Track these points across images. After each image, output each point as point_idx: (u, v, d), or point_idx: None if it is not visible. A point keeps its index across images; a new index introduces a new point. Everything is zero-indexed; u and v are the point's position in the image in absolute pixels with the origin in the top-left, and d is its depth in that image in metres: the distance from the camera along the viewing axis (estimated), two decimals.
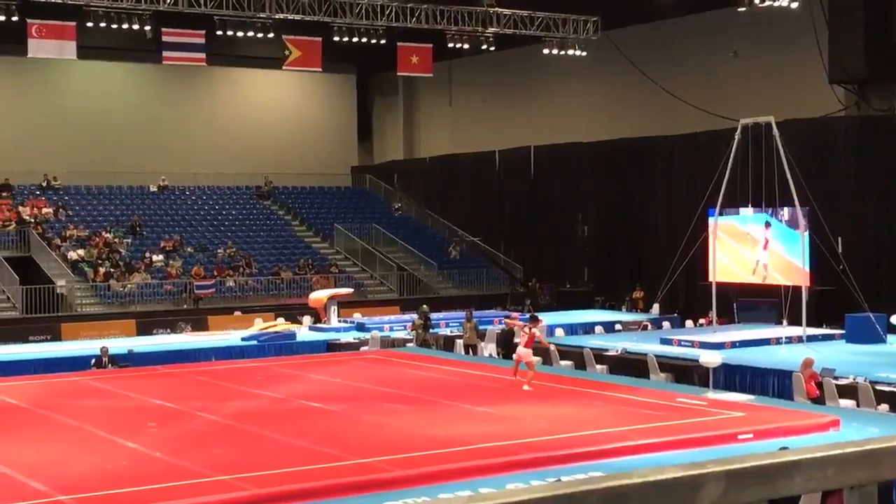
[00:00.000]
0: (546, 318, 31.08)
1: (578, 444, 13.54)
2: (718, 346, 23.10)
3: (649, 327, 29.36)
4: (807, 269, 24.99)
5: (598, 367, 23.23)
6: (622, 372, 22.01)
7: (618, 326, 30.18)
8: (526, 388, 18.10)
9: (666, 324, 30.12)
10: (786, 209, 25.61)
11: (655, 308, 31.79)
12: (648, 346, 24.15)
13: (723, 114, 32.80)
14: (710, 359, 18.72)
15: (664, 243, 35.08)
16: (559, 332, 28.99)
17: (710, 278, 27.08)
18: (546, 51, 39.04)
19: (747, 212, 26.86)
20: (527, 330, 18.97)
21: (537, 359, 19.30)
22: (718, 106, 34.42)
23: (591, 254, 41.18)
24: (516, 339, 19.71)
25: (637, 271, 37.60)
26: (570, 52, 38.66)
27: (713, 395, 17.64)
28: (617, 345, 24.54)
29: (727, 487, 2.12)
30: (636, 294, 36.07)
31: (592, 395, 17.88)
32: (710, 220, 27.08)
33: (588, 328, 30.24)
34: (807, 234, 25.10)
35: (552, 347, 24.84)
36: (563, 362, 24.08)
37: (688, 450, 13.38)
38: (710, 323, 27.92)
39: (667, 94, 36.65)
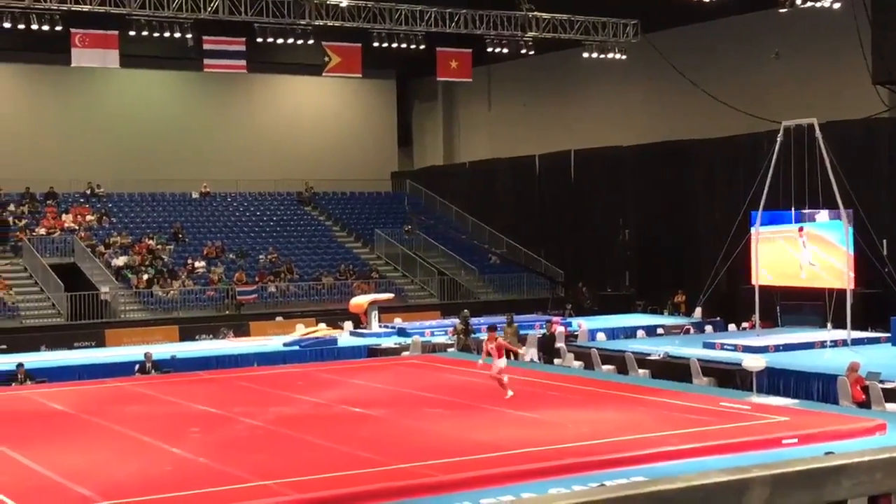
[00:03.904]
0: (588, 323, 31.06)
1: (621, 448, 13.47)
2: (762, 349, 22.91)
3: (692, 331, 29.19)
4: (851, 272, 24.72)
5: (640, 371, 23.11)
6: (664, 376, 21.87)
7: (660, 330, 30.04)
8: (505, 389, 17.83)
9: (708, 328, 29.93)
10: (826, 211, 25.35)
11: (698, 312, 31.57)
12: (691, 350, 24.01)
13: (764, 116, 32.55)
14: (754, 363, 18.59)
15: (706, 246, 34.88)
16: (600, 336, 28.87)
17: (753, 281, 26.87)
18: (585, 54, 38.93)
19: (789, 214, 26.62)
20: (491, 345, 18.13)
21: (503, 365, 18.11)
22: (760, 108, 34.16)
23: (632, 258, 40.99)
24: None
25: (679, 275, 37.36)
26: (610, 55, 38.52)
27: (757, 399, 17.50)
28: (659, 349, 24.41)
29: (773, 492, 2.10)
30: (678, 298, 35.85)
31: (635, 399, 17.78)
32: (752, 223, 26.87)
33: (629, 332, 30.11)
34: (851, 236, 24.83)
35: (594, 351, 24.78)
36: (604, 367, 23.99)
37: (731, 454, 13.27)
38: (753, 326, 27.71)
39: (707, 96, 36.41)
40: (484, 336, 28.27)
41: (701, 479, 2.03)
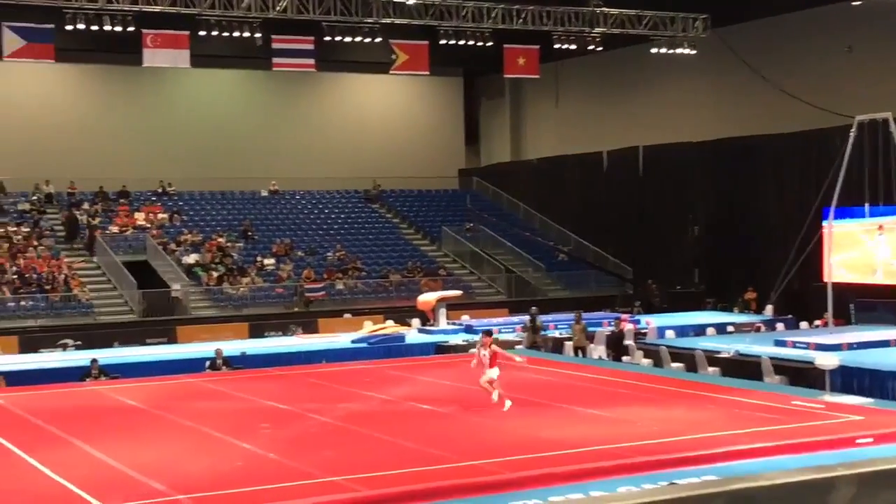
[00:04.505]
0: (656, 320, 30.81)
1: (691, 447, 13.32)
2: (835, 347, 22.54)
3: (762, 329, 28.81)
4: None
5: (710, 369, 22.88)
6: (735, 374, 21.62)
7: (730, 328, 29.71)
8: (501, 401, 16.46)
9: (780, 325, 29.52)
10: None
11: (769, 309, 31.18)
12: (762, 347, 23.71)
13: (836, 110, 32.03)
14: (827, 361, 18.27)
15: (777, 243, 34.43)
16: (669, 333, 28.63)
17: (826, 279, 26.46)
18: (654, 50, 38.64)
19: (862, 210, 26.16)
20: (484, 352, 16.78)
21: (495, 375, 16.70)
22: (832, 102, 33.64)
23: (701, 254, 40.59)
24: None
25: (749, 272, 36.88)
26: (679, 50, 38.17)
27: (830, 398, 17.22)
28: (729, 346, 24.14)
29: (858, 491, 2.05)
30: (748, 295, 35.41)
31: (705, 397, 17.59)
32: (825, 219, 26.45)
33: (699, 330, 29.80)
34: None
35: (663, 349, 24.56)
36: (674, 364, 23.79)
37: (804, 454, 13.03)
38: (825, 324, 27.29)
39: (777, 91, 35.94)
40: (553, 333, 28.37)
41: (784, 478, 1.99)
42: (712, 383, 19.61)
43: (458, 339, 28.31)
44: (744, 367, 22.25)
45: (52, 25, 31.87)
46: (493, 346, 16.90)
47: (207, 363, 23.85)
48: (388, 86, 48.61)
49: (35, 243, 37.86)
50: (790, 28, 37.83)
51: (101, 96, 44.98)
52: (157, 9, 32.28)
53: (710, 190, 40.47)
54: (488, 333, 17.44)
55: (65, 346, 30.83)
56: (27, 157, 41.70)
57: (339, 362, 24.78)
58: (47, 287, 35.01)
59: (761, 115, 38.26)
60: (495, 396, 16.50)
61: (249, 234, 41.62)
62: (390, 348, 27.09)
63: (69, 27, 31.85)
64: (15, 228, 38.67)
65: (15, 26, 31.50)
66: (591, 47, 37.77)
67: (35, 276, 35.55)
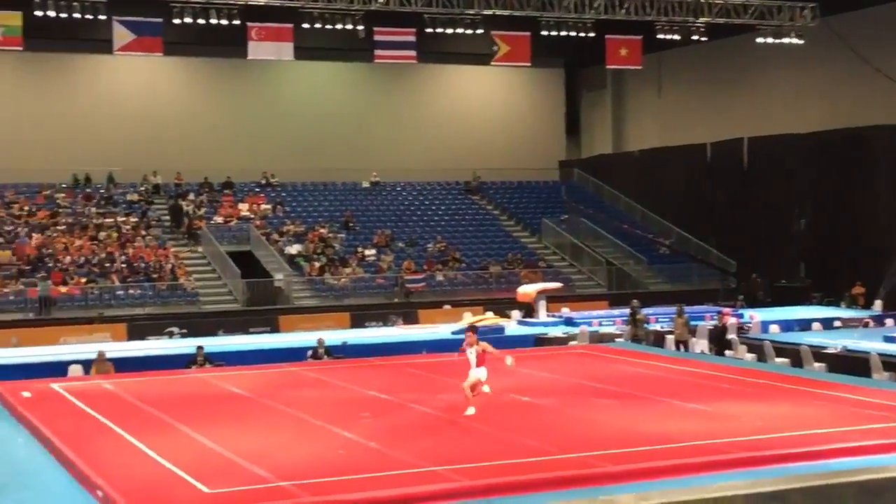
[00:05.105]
0: (761, 314, 30.30)
1: (797, 443, 13.06)
2: None
3: (871, 324, 28.16)
4: None
5: (816, 365, 22.42)
6: (842, 370, 21.12)
7: (837, 323, 29.11)
8: (467, 402, 15.27)
9: (889, 321, 28.82)
10: None
11: (878, 304, 30.46)
12: (871, 343, 23.17)
13: None
14: None
15: (887, 237, 33.61)
16: (774, 328, 28.14)
17: None
18: (760, 39, 37.90)
19: None
20: (470, 350, 15.37)
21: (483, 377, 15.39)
22: None
23: (808, 248, 39.78)
24: (472, 364, 15.47)
25: (857, 266, 36.05)
26: (786, 40, 37.38)
27: None
28: (836, 342, 23.64)
29: None
30: (856, 290, 34.63)
31: (810, 393, 17.23)
32: None
33: (805, 325, 29.24)
34: None
35: (767, 343, 24.15)
36: (778, 359, 23.38)
37: None
38: None
39: (889, 81, 34.98)
40: (654, 326, 28.07)
41: None
42: (818, 379, 19.21)
43: (557, 332, 28.22)
44: (851, 364, 21.74)
45: (160, 19, 32.52)
46: (483, 344, 15.47)
47: (309, 352, 24.15)
48: (489, 77, 48.58)
49: (143, 233, 38.74)
50: None
51: (206, 89, 45.79)
52: (262, 2, 32.75)
53: (817, 182, 39.63)
54: (473, 330, 15.85)
55: (171, 334, 31.51)
56: (136, 149, 42.69)
57: (439, 353, 24.84)
58: (154, 276, 35.80)
59: (872, 106, 37.32)
60: (470, 409, 15.08)
61: (351, 224, 42.00)
62: (489, 340, 26.96)
63: (176, 21, 32.48)
64: (124, 218, 39.63)
65: (125, 20, 32.24)
66: (694, 37, 37.22)
67: (143, 265, 36.37)
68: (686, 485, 11.17)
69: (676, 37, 36.97)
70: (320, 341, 24.33)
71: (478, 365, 15.35)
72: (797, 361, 22.84)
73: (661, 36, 36.65)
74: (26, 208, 39.37)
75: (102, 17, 31.97)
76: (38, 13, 31.17)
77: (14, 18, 31.38)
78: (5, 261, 35.50)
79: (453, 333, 27.72)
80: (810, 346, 23.17)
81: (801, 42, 37.48)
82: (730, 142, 43.18)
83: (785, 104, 42.06)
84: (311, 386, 19.35)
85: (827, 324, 29.02)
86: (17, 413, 16.91)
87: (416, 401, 16.96)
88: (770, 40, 37.62)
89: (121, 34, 32.23)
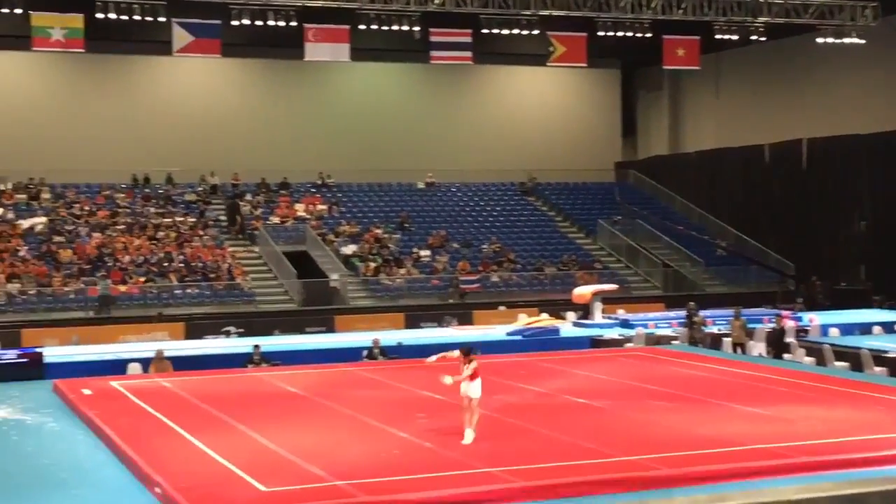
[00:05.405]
0: (820, 317, 29.92)
1: (857, 448, 12.90)
2: None
3: None
4: None
5: (877, 369, 22.10)
6: None
7: None
8: (469, 435, 13.83)
9: None
10: None
11: None
12: None
13: None
14: None
15: None
16: (833, 331, 27.78)
17: None
18: (820, 39, 37.41)
19: None
20: (465, 367, 14.32)
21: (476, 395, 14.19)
22: None
23: (869, 250, 39.22)
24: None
25: None
26: (847, 40, 36.85)
27: None
28: None
29: None
30: None
31: (871, 398, 17.00)
32: None
33: (865, 328, 28.83)
34: None
35: (826, 347, 23.84)
36: (837, 363, 23.08)
37: None
38: None
39: None
40: (710, 328, 27.80)
41: None
42: (879, 384, 18.93)
43: (613, 333, 28.08)
44: None
45: (218, 21, 32.82)
46: (475, 364, 14.35)
47: (364, 352, 24.24)
48: (544, 78, 48.44)
49: (200, 233, 39.10)
50: None
51: (263, 90, 46.10)
52: (319, 3, 32.92)
53: (879, 183, 39.08)
54: (466, 352, 14.61)
55: (228, 333, 31.75)
56: (193, 150, 43.10)
57: (494, 354, 24.83)
58: (212, 275, 36.12)
59: None
60: (468, 434, 13.82)
61: (406, 225, 42.10)
62: (545, 341, 27.00)
63: (234, 22, 32.75)
64: (182, 218, 40.03)
65: (184, 22, 32.56)
66: (753, 37, 36.84)
67: (200, 264, 36.71)
68: (742, 488, 11.07)
69: (735, 37, 36.61)
70: (375, 341, 24.42)
71: (472, 378, 14.20)
72: (857, 365, 22.53)
73: (719, 36, 36.32)
74: (87, 208, 39.90)
75: (162, 20, 32.30)
76: (100, 15, 31.58)
77: (76, 21, 31.83)
78: (66, 260, 36.02)
79: (508, 335, 27.71)
80: (871, 350, 22.85)
81: (863, 42, 36.91)
82: (789, 143, 42.71)
83: (845, 105, 41.50)
84: (366, 386, 19.43)
85: (888, 327, 28.60)
86: (77, 410, 17.16)
87: None
88: (830, 40, 37.11)
89: (180, 36, 32.56)
